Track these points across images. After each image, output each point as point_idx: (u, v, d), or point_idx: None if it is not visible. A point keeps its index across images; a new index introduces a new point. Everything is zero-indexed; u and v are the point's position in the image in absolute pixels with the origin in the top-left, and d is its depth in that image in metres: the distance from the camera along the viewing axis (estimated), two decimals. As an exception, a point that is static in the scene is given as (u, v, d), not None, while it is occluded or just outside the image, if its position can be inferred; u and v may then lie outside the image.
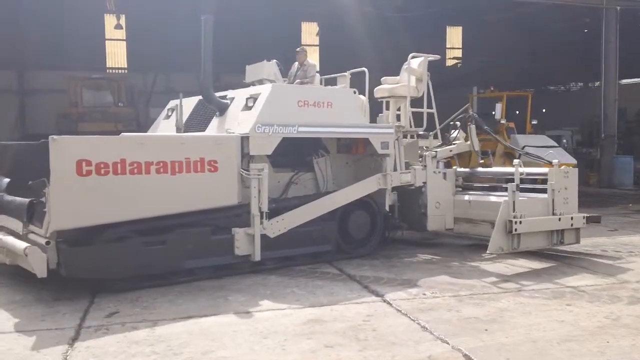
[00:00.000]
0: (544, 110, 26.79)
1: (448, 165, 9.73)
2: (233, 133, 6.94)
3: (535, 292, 6.18)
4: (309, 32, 28.89)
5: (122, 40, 26.04)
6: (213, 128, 7.64)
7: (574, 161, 17.22)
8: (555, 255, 8.19)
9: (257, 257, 6.93)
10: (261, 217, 6.91)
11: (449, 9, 23.81)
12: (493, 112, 17.39)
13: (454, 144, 9.45)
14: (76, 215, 5.68)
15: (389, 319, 5.25)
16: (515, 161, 7.91)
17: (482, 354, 4.36)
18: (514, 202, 7.44)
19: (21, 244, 5.70)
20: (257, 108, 7.17)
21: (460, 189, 9.21)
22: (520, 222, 7.40)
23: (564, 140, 22.40)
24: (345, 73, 9.32)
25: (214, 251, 6.73)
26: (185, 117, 7.99)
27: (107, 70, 25.46)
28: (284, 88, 7.84)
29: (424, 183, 8.62)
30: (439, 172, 8.90)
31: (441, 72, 28.46)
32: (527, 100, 19.18)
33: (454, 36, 31.09)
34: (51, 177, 5.51)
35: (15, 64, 23.67)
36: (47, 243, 5.62)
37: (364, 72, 8.82)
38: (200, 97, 8.30)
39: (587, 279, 6.87)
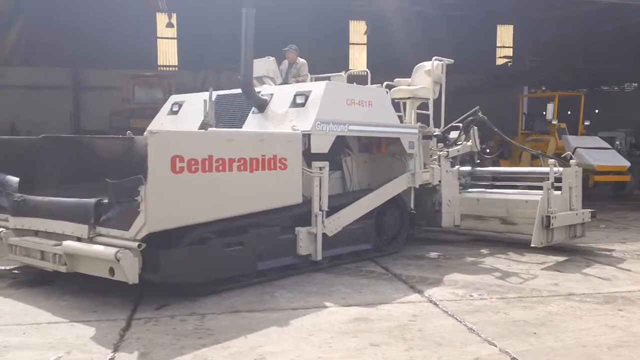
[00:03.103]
0: (596, 111, 26.13)
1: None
2: (298, 130, 6.82)
3: (586, 297, 6.05)
4: (357, 31, 28.80)
5: (173, 38, 26.50)
6: (252, 125, 7.46)
7: (628, 164, 16.80)
8: (607, 260, 8.03)
9: (319, 256, 6.92)
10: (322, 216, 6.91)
11: (501, 7, 23.45)
12: (544, 113, 17.09)
13: (458, 144, 9.66)
14: (170, 216, 5.35)
15: (435, 319, 5.22)
16: (551, 161, 8.65)
17: (531, 357, 4.29)
18: (548, 199, 8.05)
19: (107, 249, 5.21)
20: (314, 105, 7.05)
21: (462, 188, 9.62)
22: (555, 217, 8.06)
23: (617, 142, 21.77)
24: (341, 73, 9.30)
25: (280, 251, 6.65)
26: (196, 114, 7.78)
27: (159, 68, 25.97)
28: (336, 86, 7.75)
29: (439, 182, 8.91)
30: (449, 171, 9.19)
31: (491, 71, 28.12)
32: (580, 101, 18.75)
33: (505, 35, 30.53)
34: (149, 174, 5.12)
35: (70, 62, 24.39)
36: (139, 246, 5.13)
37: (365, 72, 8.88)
38: (216, 93, 8.13)
39: (640, 284, 6.70)
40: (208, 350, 4.38)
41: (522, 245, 8.66)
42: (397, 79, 9.37)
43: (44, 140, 7.25)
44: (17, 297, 5.84)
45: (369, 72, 8.84)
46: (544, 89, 19.54)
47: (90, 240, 5.51)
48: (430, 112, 9.04)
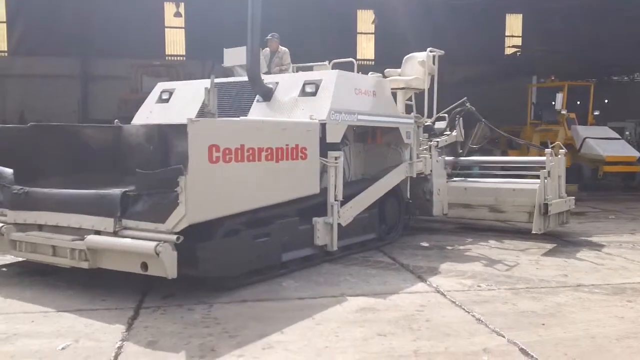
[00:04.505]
0: (606, 101, 26.00)
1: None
2: (316, 120, 6.70)
3: (594, 288, 6.02)
4: (364, 20, 28.69)
5: (181, 28, 26.49)
6: (257, 114, 7.28)
7: (637, 154, 16.74)
8: (616, 251, 7.99)
9: (335, 246, 6.90)
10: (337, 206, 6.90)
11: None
12: (553, 103, 17.01)
13: (445, 134, 9.78)
14: (208, 207, 5.18)
15: (443, 309, 5.21)
16: (547, 150, 8.79)
17: (539, 348, 4.27)
18: (544, 187, 8.34)
19: (145, 243, 4.96)
20: (327, 94, 6.95)
21: (448, 177, 9.84)
22: (552, 205, 8.37)
23: (627, 132, 21.69)
24: (325, 62, 9.20)
25: (299, 243, 6.59)
26: (190, 102, 7.71)
27: (167, 58, 25.99)
28: (346, 75, 7.62)
29: (431, 171, 9.02)
30: (439, 161, 9.34)
31: (500, 61, 27.96)
32: (589, 91, 18.65)
33: (514, 24, 30.37)
34: (189, 164, 4.93)
35: (79, 51, 24.44)
36: (178, 239, 4.93)
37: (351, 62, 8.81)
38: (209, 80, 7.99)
39: (650, 275, 6.66)
40: (215, 339, 4.38)
41: (523, 236, 8.73)
42: (387, 70, 9.37)
43: (33, 129, 6.96)
44: (25, 285, 5.86)
45: (354, 61, 8.80)
46: (553, 78, 19.45)
47: (115, 234, 5.25)
48: (425, 101, 9.10)
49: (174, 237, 4.93)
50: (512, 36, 30.33)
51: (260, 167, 5.75)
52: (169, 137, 7.61)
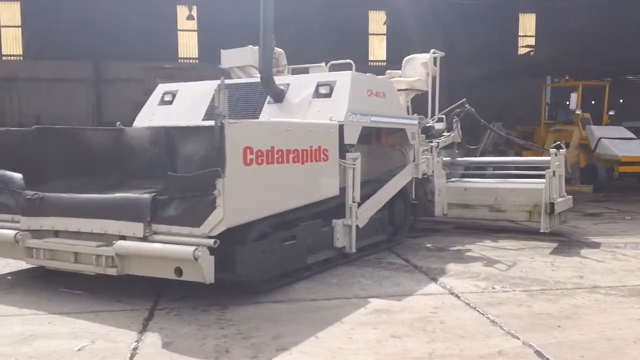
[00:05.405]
0: (621, 101, 25.76)
1: None
2: (335, 121, 6.65)
3: (611, 289, 5.97)
4: (376, 21, 28.64)
5: (194, 30, 26.60)
6: (269, 115, 7.17)
7: (652, 155, 16.55)
8: (632, 252, 7.93)
9: (353, 248, 6.89)
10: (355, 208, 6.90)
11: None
12: (568, 102, 16.91)
13: (443, 135, 9.83)
14: (243, 210, 5.11)
15: (457, 312, 5.19)
16: (552, 150, 8.95)
17: (555, 350, 4.24)
18: (550, 186, 8.54)
19: (182, 247, 4.84)
20: (343, 96, 6.90)
21: (461, 176, 10.09)
22: (557, 203, 8.58)
23: (643, 133, 21.42)
24: (321, 64, 9.14)
25: (321, 245, 6.58)
26: (195, 103, 7.70)
27: (179, 61, 26.11)
28: (359, 76, 7.54)
29: (433, 172, 9.07)
30: (439, 162, 9.43)
31: (513, 60, 27.82)
32: (604, 90, 18.50)
33: (527, 24, 30.20)
34: (227, 166, 4.84)
35: (91, 55, 24.61)
36: (215, 243, 4.81)
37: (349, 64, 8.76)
38: (216, 82, 7.77)
39: (666, 277, 6.60)
40: (230, 341, 4.40)
41: (533, 236, 8.73)
42: (388, 71, 9.39)
43: (37, 131, 6.81)
44: (41, 288, 5.90)
45: (352, 63, 8.77)
46: (567, 78, 19.33)
47: (145, 239, 5.09)
48: (429, 102, 9.09)
49: (211, 241, 4.81)
50: (526, 36, 30.17)
51: (288, 169, 5.73)
52: (176, 139, 7.59)
